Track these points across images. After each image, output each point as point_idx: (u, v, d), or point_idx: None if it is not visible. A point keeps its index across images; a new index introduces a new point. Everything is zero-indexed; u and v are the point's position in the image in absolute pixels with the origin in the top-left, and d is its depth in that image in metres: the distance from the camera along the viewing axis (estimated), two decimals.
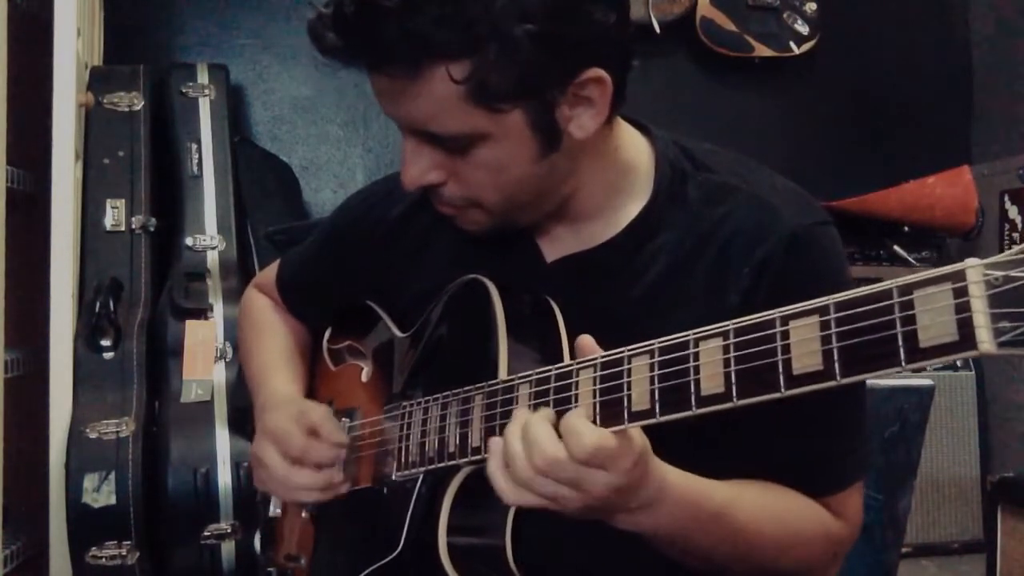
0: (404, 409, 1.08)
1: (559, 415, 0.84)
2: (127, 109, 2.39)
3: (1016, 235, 3.00)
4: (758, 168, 1.09)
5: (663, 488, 0.86)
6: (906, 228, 2.99)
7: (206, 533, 2.02)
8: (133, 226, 2.30)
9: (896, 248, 2.97)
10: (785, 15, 3.10)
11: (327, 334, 1.33)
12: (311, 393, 1.31)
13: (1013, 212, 3.03)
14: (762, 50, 3.09)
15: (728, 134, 2.81)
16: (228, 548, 2.03)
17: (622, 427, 0.81)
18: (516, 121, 0.93)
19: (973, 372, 2.96)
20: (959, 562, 2.83)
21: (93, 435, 2.00)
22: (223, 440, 2.07)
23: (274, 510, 1.27)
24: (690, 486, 0.89)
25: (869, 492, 1.07)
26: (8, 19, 1.90)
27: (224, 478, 2.03)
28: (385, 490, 1.08)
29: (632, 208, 1.06)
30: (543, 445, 0.81)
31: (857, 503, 1.05)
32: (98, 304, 2.12)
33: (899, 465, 1.54)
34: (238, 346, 1.46)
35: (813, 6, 3.11)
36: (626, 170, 1.06)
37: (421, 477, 1.02)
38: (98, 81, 2.40)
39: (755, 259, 0.99)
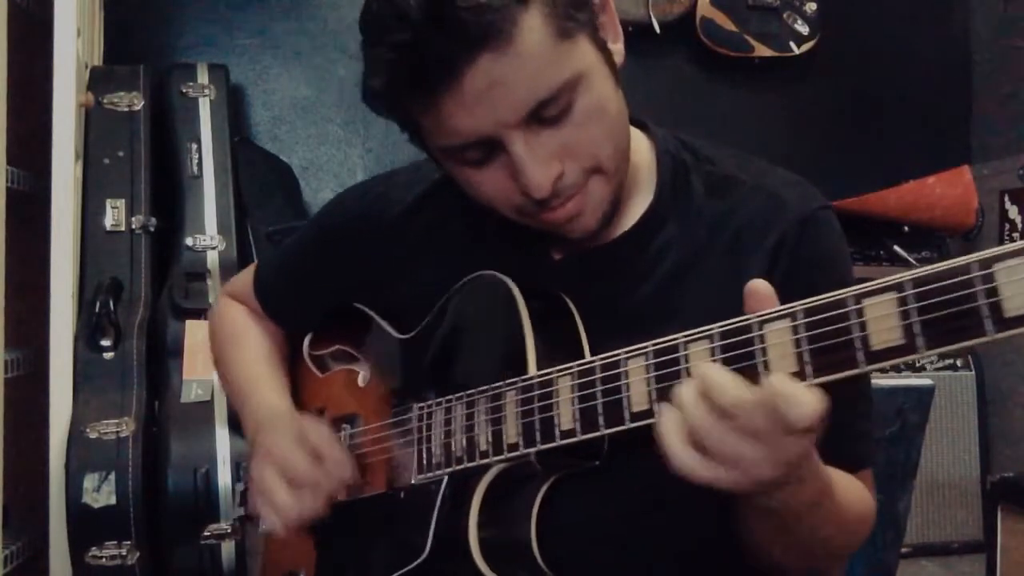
0: (420, 411, 1.06)
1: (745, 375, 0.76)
2: (127, 109, 2.39)
3: (1016, 235, 3.00)
4: (756, 160, 1.10)
5: (811, 454, 0.81)
6: (906, 228, 2.99)
7: (206, 533, 2.02)
8: (133, 226, 2.30)
9: (896, 248, 2.98)
10: (785, 15, 3.10)
11: (307, 340, 1.29)
12: (296, 401, 1.26)
13: (1013, 212, 3.03)
14: (762, 50, 3.09)
15: (728, 134, 2.80)
16: (228, 548, 2.03)
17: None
18: (587, 49, 0.93)
19: (973, 372, 2.97)
20: (959, 562, 2.83)
21: (93, 435, 2.00)
22: (223, 440, 2.07)
23: (264, 526, 1.22)
24: (817, 458, 0.84)
25: None
26: (8, 19, 1.90)
27: (224, 478, 2.03)
28: (402, 495, 1.06)
29: (637, 203, 1.06)
30: (731, 387, 0.73)
31: (873, 484, 1.06)
32: (98, 304, 2.12)
33: (899, 465, 1.54)
34: (214, 357, 1.38)
35: (813, 6, 3.11)
36: (630, 163, 1.05)
37: (446, 479, 1.00)
38: (98, 81, 2.41)
39: (768, 245, 1.00)
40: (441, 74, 0.88)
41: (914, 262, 2.96)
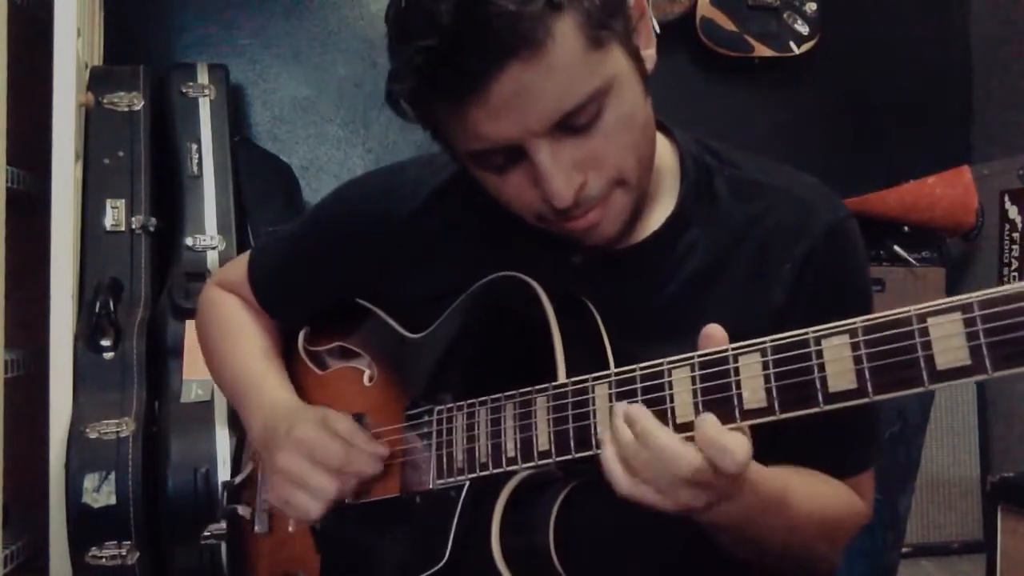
0: (440, 414, 1.03)
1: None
2: (127, 109, 2.39)
3: (1016, 235, 3.00)
4: (777, 164, 1.10)
5: (744, 476, 0.85)
6: (906, 228, 2.99)
7: (206, 533, 2.02)
8: (133, 226, 2.30)
9: (896, 248, 2.97)
10: (785, 15, 3.10)
11: (302, 335, 1.26)
12: None
13: (1013, 212, 3.02)
14: (762, 50, 3.09)
15: (728, 134, 2.79)
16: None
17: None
18: (620, 55, 0.92)
19: None
20: (959, 562, 2.83)
21: (93, 435, 2.00)
22: (223, 440, 2.06)
23: (261, 527, 1.21)
24: (760, 472, 0.88)
25: None
26: (8, 19, 1.90)
27: (224, 478, 2.02)
28: (419, 499, 1.04)
29: (661, 206, 1.05)
30: (687, 457, 0.79)
31: (871, 485, 1.08)
32: (98, 304, 2.12)
33: (899, 465, 1.55)
34: (205, 349, 1.33)
35: (813, 6, 3.11)
36: (654, 170, 1.05)
37: (467, 484, 0.98)
38: (98, 81, 2.41)
39: (797, 255, 1.00)
40: (469, 81, 0.87)
41: (914, 262, 2.96)
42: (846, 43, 3.23)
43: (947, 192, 2.96)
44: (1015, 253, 3.00)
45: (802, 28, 3.11)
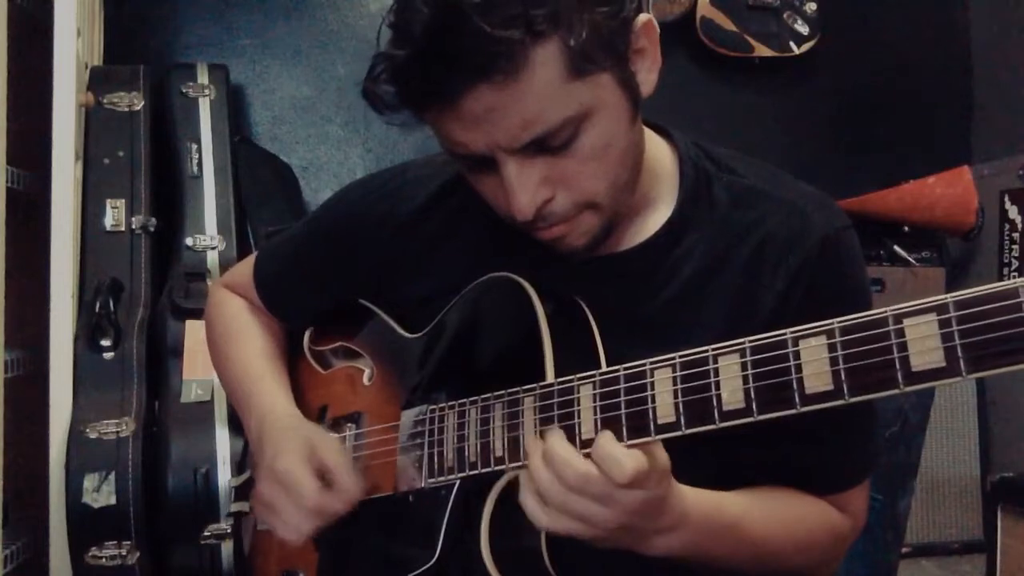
0: (432, 414, 1.04)
1: (569, 431, 0.86)
2: (127, 109, 2.39)
3: (1016, 235, 3.00)
4: (778, 172, 1.10)
5: (684, 511, 0.88)
6: (906, 228, 2.99)
7: (206, 533, 2.02)
8: (133, 226, 2.30)
9: (896, 248, 2.97)
10: (785, 15, 3.10)
11: (308, 335, 1.28)
12: (297, 398, 1.24)
13: (1013, 212, 3.02)
14: (762, 50, 3.09)
15: (728, 134, 2.81)
16: (228, 548, 2.03)
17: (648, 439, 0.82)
18: (608, 83, 0.92)
19: None
20: (959, 562, 2.83)
21: (93, 435, 2.00)
22: (223, 440, 2.06)
23: (262, 523, 1.22)
24: (707, 504, 0.92)
25: (870, 493, 1.09)
26: (8, 19, 1.90)
27: (224, 478, 2.03)
28: (411, 498, 1.05)
29: (659, 212, 1.05)
30: (573, 463, 0.83)
31: (862, 500, 1.08)
32: (98, 304, 2.12)
33: (899, 465, 1.55)
34: (212, 351, 1.35)
35: (813, 6, 3.10)
36: (652, 172, 1.05)
37: (457, 483, 0.99)
38: (98, 81, 2.40)
39: (790, 264, 1.01)
40: (437, 95, 0.88)
41: (914, 262, 2.96)
42: (846, 43, 3.23)
43: (947, 192, 2.96)
44: (1015, 253, 3.00)
45: (802, 28, 3.11)
